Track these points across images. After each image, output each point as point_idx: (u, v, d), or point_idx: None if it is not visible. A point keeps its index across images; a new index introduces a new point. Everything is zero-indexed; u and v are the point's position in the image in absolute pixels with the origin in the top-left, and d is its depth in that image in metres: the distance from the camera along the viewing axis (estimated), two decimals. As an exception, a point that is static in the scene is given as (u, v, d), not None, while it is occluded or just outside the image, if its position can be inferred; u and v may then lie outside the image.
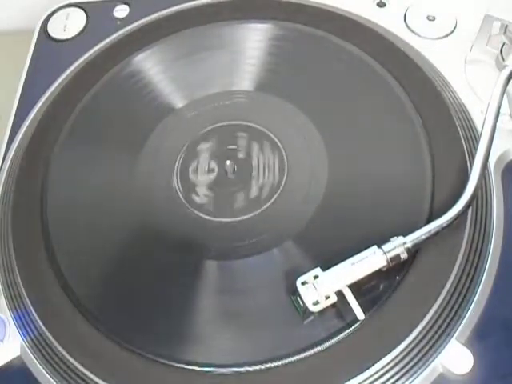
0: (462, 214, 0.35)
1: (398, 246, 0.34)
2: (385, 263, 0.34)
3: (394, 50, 0.45)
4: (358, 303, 0.33)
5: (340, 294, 0.34)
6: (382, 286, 0.35)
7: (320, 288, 0.34)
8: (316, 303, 0.34)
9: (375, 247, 0.34)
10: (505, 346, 0.34)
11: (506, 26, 0.43)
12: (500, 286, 0.35)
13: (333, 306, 0.34)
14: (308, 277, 0.34)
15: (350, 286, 0.34)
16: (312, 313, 0.34)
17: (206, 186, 0.42)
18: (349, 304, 0.33)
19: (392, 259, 0.34)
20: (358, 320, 0.33)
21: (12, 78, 0.50)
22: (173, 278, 0.38)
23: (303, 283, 0.34)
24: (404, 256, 0.34)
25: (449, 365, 0.33)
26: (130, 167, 0.43)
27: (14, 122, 0.47)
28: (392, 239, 0.34)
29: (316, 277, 0.34)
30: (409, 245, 0.34)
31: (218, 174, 0.42)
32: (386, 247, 0.34)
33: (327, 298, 0.34)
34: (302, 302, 0.34)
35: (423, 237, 0.34)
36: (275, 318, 0.35)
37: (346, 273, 0.34)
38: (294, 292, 0.34)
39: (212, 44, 0.48)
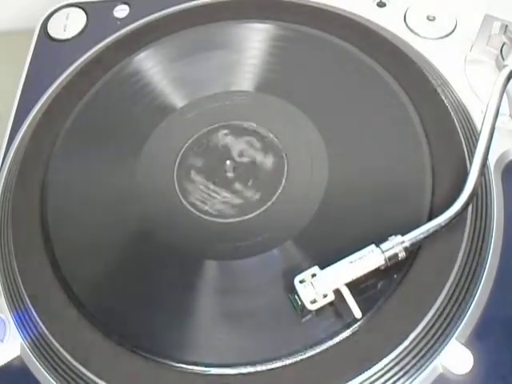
0: (461, 213, 0.35)
1: (396, 244, 0.34)
2: (383, 262, 0.34)
3: (393, 49, 0.45)
4: (359, 303, 0.33)
5: (338, 292, 0.34)
6: (382, 286, 0.35)
7: (318, 286, 0.34)
8: (314, 301, 0.34)
9: (373, 246, 0.34)
10: (505, 346, 0.34)
11: (506, 26, 0.43)
12: (500, 286, 0.35)
13: (331, 304, 0.34)
14: (306, 275, 0.34)
15: (351, 287, 0.34)
16: (309, 311, 0.34)
17: (205, 186, 0.42)
18: (346, 303, 0.33)
19: (390, 258, 0.34)
20: (356, 319, 0.33)
21: (12, 78, 0.50)
22: (173, 278, 0.38)
23: (301, 281, 0.34)
24: (402, 255, 0.34)
25: (449, 365, 0.33)
26: (130, 167, 0.43)
27: (13, 122, 0.47)
28: (390, 238, 0.35)
29: (314, 275, 0.34)
30: (407, 244, 0.34)
31: (218, 174, 0.42)
32: (383, 246, 0.34)
33: (325, 296, 0.34)
34: (300, 300, 0.34)
35: (421, 236, 0.34)
36: (275, 318, 0.35)
37: (343, 271, 0.34)
38: (292, 290, 0.35)
39: (212, 44, 0.48)
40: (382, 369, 0.33)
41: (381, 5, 0.49)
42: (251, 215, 0.40)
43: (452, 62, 0.44)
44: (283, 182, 0.41)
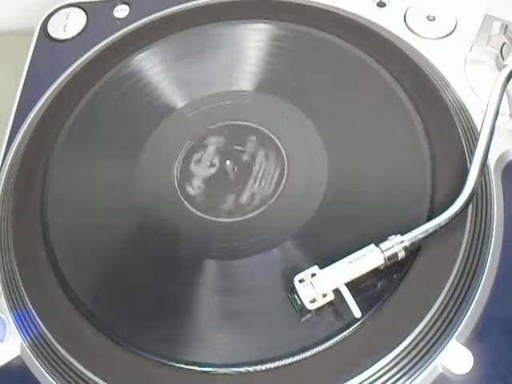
0: (460, 213, 0.35)
1: (396, 244, 0.34)
2: (382, 262, 0.34)
3: (394, 50, 0.45)
4: (358, 303, 0.33)
5: (338, 292, 0.34)
6: (382, 286, 0.35)
7: (317, 286, 0.34)
8: (313, 301, 0.34)
9: (373, 245, 0.34)
10: (505, 346, 0.34)
11: (506, 26, 0.43)
12: (500, 286, 0.35)
13: (330, 304, 0.34)
14: (305, 274, 0.34)
15: (351, 286, 0.34)
16: (309, 311, 0.34)
17: (205, 186, 0.42)
18: (346, 302, 0.33)
19: (389, 258, 0.34)
20: (356, 319, 0.33)
21: (12, 78, 0.50)
22: (173, 277, 0.38)
23: (300, 281, 0.34)
24: (402, 255, 0.34)
25: (449, 365, 0.33)
26: (130, 167, 0.43)
27: (13, 122, 0.47)
28: (390, 238, 0.35)
29: (313, 274, 0.34)
30: (406, 243, 0.34)
31: (218, 174, 0.42)
32: (383, 245, 0.34)
33: (324, 295, 0.34)
34: (300, 299, 0.34)
35: (421, 235, 0.34)
36: (275, 317, 0.35)
37: (343, 271, 0.34)
38: (292, 290, 0.34)
39: (212, 44, 0.48)
40: (382, 368, 0.33)
41: (381, 5, 0.49)
42: (251, 215, 0.40)
43: (452, 62, 0.44)
44: (283, 181, 0.41)
